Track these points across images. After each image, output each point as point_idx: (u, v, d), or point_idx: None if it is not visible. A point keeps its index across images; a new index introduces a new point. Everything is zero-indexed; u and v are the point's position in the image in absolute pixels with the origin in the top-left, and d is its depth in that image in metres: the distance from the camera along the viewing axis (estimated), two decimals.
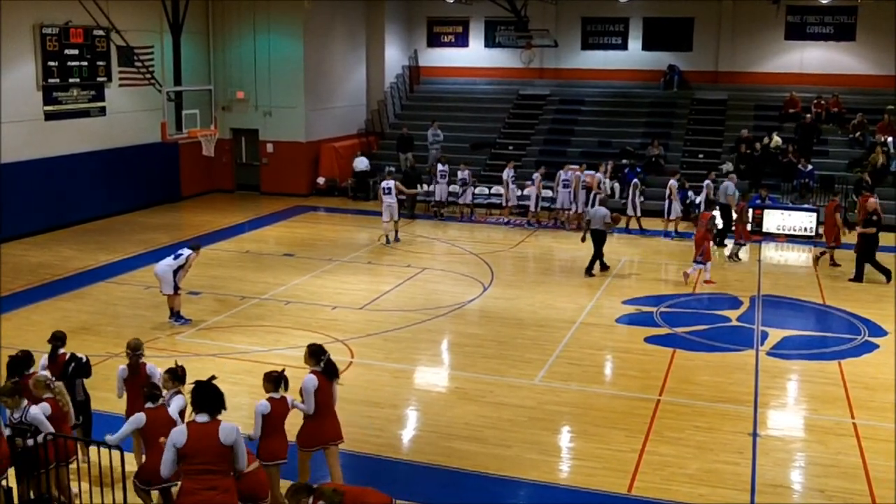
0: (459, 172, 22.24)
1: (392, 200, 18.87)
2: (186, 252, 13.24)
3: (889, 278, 16.03)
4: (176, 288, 13.03)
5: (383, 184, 19.21)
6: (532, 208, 21.55)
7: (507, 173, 21.96)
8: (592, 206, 18.64)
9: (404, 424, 9.98)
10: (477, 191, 22.86)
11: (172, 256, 13.17)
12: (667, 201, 20.16)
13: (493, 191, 23.40)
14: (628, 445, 9.23)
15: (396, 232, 19.32)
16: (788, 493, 8.46)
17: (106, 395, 9.22)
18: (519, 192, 21.96)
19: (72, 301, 14.44)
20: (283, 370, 7.49)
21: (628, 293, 15.30)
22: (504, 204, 22.24)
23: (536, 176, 21.59)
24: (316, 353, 7.72)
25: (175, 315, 13.22)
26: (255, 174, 25.24)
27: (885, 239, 17.65)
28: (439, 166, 22.23)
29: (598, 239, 16.57)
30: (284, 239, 19.77)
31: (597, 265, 16.58)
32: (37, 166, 19.20)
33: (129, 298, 14.62)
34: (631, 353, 12.30)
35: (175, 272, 12.96)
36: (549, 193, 21.85)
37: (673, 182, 20.09)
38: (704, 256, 15.94)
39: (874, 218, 16.33)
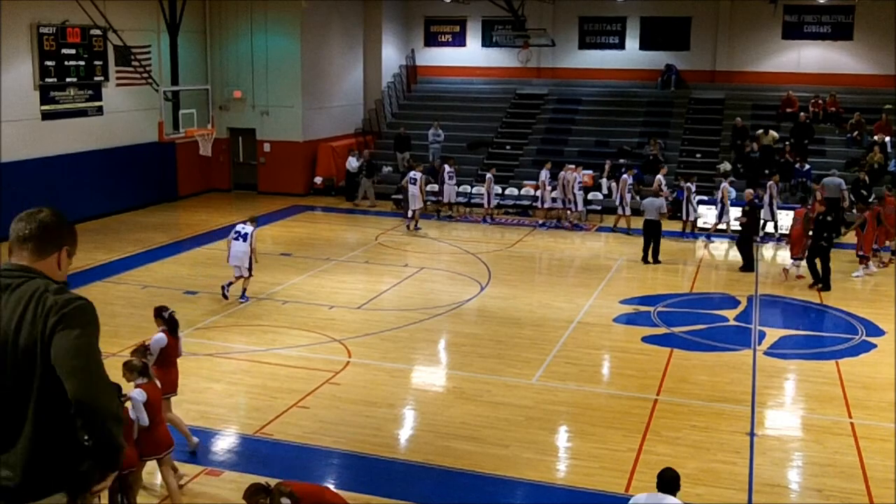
0: (489, 175, 21.67)
1: (416, 190, 19.98)
2: (249, 228, 13.99)
3: (749, 269, 16.80)
4: (250, 270, 14.05)
5: (410, 174, 20.44)
6: (578, 207, 20.96)
7: (545, 174, 21.20)
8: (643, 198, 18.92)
9: (401, 424, 9.97)
10: (474, 190, 22.83)
11: (241, 239, 13.88)
12: (720, 205, 19.80)
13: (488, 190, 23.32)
14: (625, 445, 9.23)
15: (416, 221, 20.12)
16: (786, 492, 8.47)
17: None
18: (554, 194, 21.04)
19: None
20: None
21: (626, 293, 15.30)
22: (539, 206, 21.55)
23: (579, 175, 21.04)
24: (160, 312, 8.80)
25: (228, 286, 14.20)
26: (253, 173, 25.21)
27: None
28: (446, 167, 21.95)
29: (651, 229, 17.41)
30: (282, 238, 19.74)
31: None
32: (34, 166, 19.15)
33: (126, 298, 14.59)
34: (628, 353, 12.30)
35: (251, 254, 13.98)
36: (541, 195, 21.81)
37: (725, 185, 19.86)
38: (797, 252, 16.17)
39: (746, 208, 16.88)
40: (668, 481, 6.37)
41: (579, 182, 20.98)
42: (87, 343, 2.71)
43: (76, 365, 2.65)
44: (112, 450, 2.73)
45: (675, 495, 6.27)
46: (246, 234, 13.91)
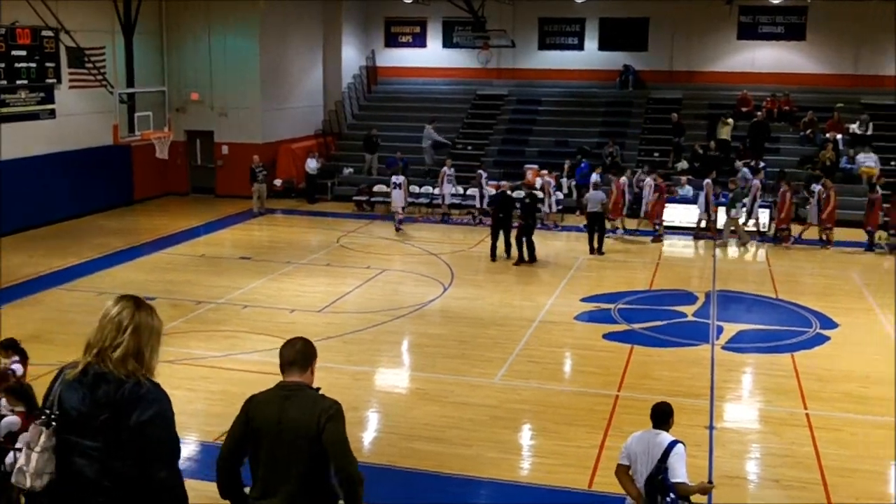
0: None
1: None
2: (401, 179, 19.32)
3: (521, 261, 17.35)
4: (404, 209, 19.74)
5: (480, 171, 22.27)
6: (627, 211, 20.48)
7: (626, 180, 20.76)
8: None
9: (365, 426, 9.91)
10: (437, 191, 22.80)
11: (398, 188, 19.34)
12: (749, 203, 19.75)
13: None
14: (588, 441, 9.30)
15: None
16: (744, 483, 8.61)
17: None
18: (629, 197, 20.51)
19: (22, 308, 14.08)
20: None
21: (587, 290, 15.42)
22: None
23: (605, 178, 20.78)
24: None
25: (399, 222, 19.68)
26: (211, 177, 24.89)
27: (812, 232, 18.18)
28: (446, 169, 21.70)
29: (595, 221, 18.17)
30: (241, 242, 19.54)
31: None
32: None
33: (81, 305, 14.27)
34: (590, 350, 12.40)
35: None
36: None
37: (756, 182, 19.91)
38: None
39: (527, 201, 17.81)
40: (662, 414, 6.21)
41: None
42: (343, 433, 4.33)
43: (339, 448, 4.28)
44: (358, 499, 4.30)
45: (667, 429, 6.17)
46: (399, 183, 19.48)
